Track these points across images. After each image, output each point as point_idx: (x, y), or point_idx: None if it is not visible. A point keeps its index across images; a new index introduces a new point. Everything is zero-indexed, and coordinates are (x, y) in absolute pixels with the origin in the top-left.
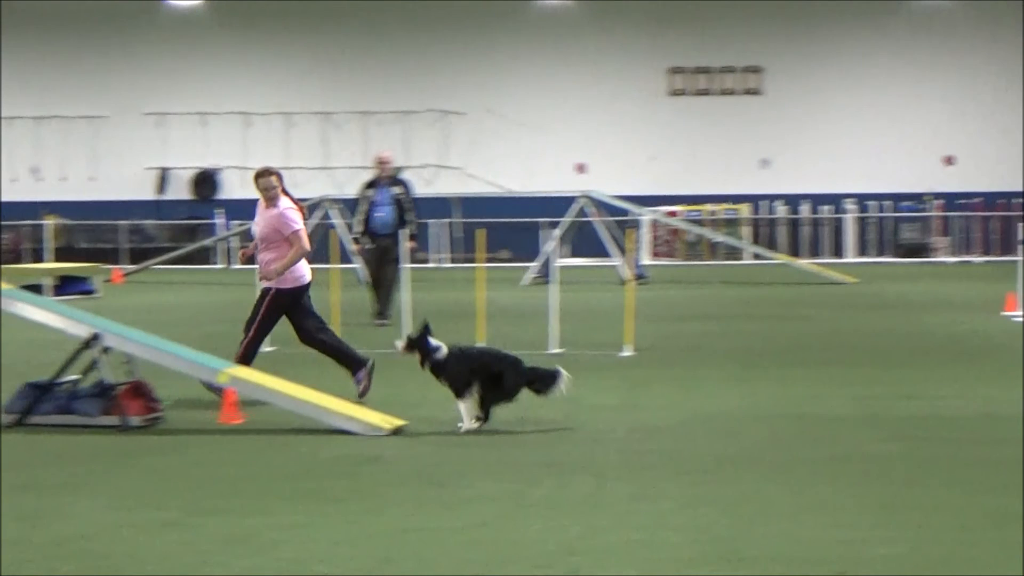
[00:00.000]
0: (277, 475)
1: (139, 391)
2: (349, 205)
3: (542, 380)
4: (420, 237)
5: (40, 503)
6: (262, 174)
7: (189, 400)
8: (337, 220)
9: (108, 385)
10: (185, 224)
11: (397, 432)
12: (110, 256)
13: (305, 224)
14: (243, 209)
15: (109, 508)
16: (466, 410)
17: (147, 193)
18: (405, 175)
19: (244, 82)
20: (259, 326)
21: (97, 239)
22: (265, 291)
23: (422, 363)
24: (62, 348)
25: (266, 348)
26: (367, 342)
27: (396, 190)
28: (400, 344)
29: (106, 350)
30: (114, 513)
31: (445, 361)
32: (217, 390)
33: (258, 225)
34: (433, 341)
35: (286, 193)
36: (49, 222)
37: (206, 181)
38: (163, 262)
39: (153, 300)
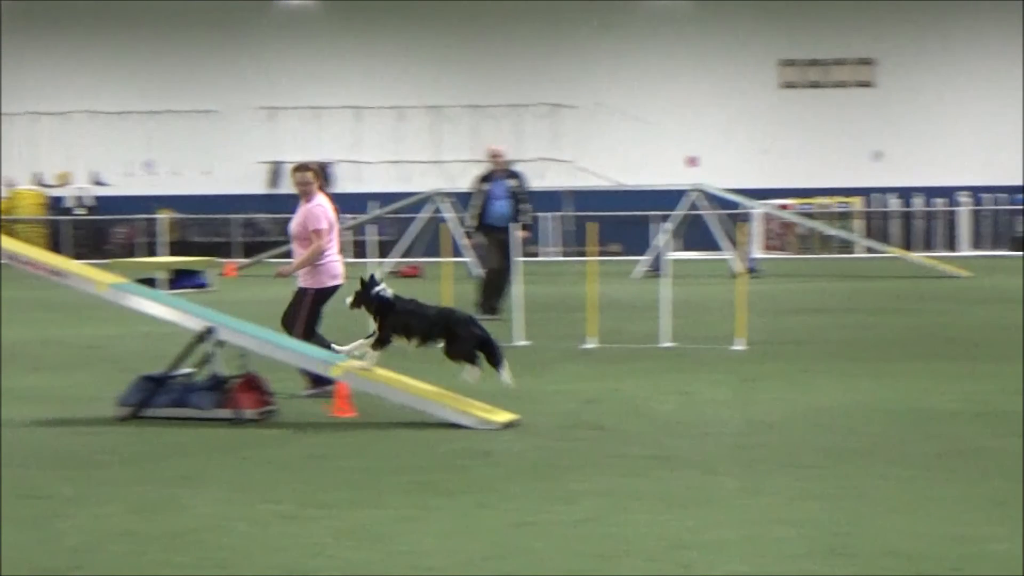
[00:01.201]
0: (389, 468)
1: (253, 384)
2: (461, 199)
3: (496, 352)
4: (531, 231)
5: (155, 496)
6: (298, 169)
7: (303, 394)
8: (448, 214)
9: (222, 378)
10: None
11: (509, 426)
12: (223, 250)
13: (339, 222)
14: (355, 203)
15: (223, 501)
16: (368, 352)
17: (259, 187)
18: (516, 168)
19: (356, 76)
20: (305, 326)
21: (210, 233)
22: (301, 291)
23: (357, 304)
24: (176, 341)
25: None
26: None
27: (511, 183)
28: (348, 300)
29: (220, 344)
30: (228, 506)
31: (394, 314)
32: (321, 390)
33: (294, 221)
34: (379, 288)
35: (323, 190)
36: (163, 216)
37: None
38: (275, 256)
39: (266, 294)
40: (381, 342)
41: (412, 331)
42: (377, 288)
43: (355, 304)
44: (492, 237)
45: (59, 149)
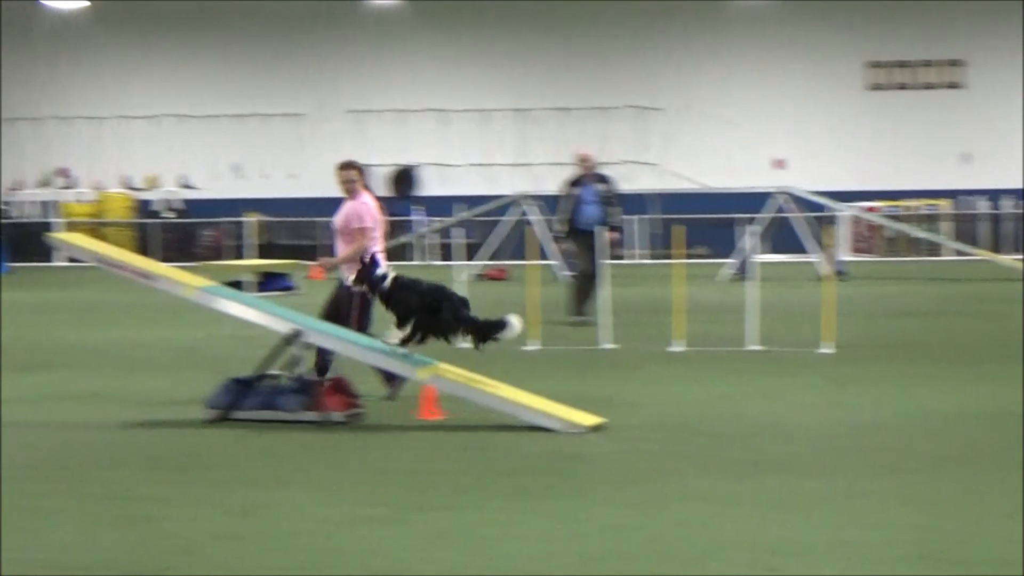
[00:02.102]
0: (480, 471)
1: (340, 387)
2: (547, 202)
3: (487, 329)
4: (620, 234)
5: (249, 498)
6: (343, 167)
7: (390, 397)
8: (534, 217)
9: (309, 381)
10: (384, 221)
11: (596, 429)
12: (310, 253)
13: (384, 219)
14: (442, 206)
15: (316, 504)
16: (398, 332)
17: None
18: (605, 172)
19: (442, 79)
20: (358, 325)
21: (297, 236)
22: (346, 289)
23: (371, 291)
24: (263, 344)
25: (464, 345)
26: (565, 339)
27: (600, 187)
28: (351, 278)
29: (308, 346)
30: (322, 509)
31: (391, 290)
32: (397, 386)
33: (337, 218)
34: (381, 271)
35: (367, 188)
36: (250, 219)
37: (405, 178)
38: None
39: None
40: (401, 320)
41: (409, 308)
42: (378, 269)
43: (357, 282)
44: (582, 241)
45: (148, 153)
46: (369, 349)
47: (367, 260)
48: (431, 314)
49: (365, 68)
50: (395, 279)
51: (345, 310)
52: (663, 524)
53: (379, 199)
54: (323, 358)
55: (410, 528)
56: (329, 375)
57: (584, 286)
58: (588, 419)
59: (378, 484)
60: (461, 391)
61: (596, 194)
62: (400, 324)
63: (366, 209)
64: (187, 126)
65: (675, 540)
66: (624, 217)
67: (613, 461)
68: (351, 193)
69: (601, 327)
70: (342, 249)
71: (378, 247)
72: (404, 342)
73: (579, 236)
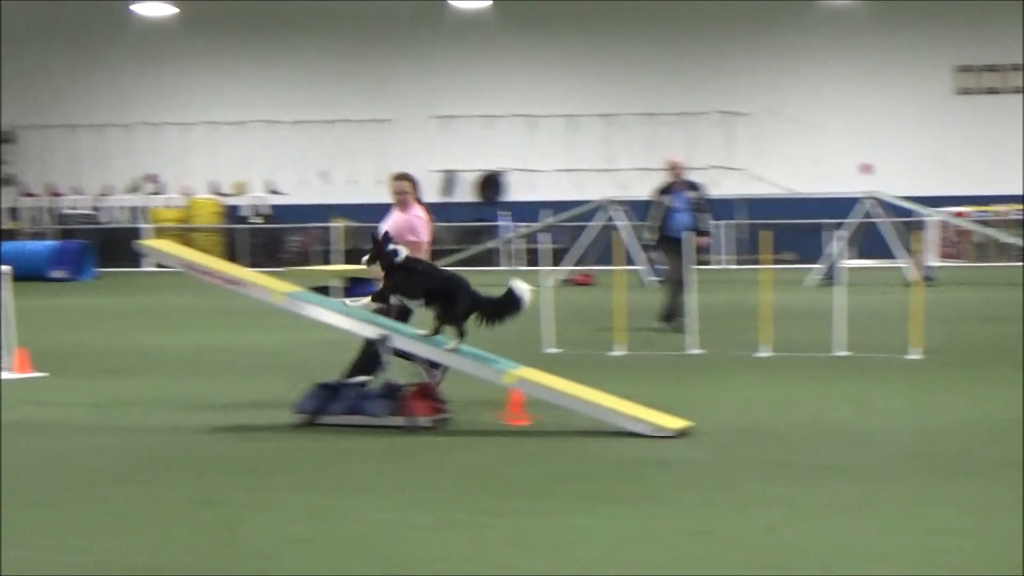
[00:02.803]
0: (563, 476)
1: (426, 392)
2: (633, 207)
3: (500, 305)
4: (710, 239)
5: (331, 502)
6: (397, 178)
7: (476, 401)
8: (621, 222)
9: (396, 386)
10: (470, 226)
11: (683, 433)
12: None
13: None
14: (528, 211)
15: (398, 508)
16: (370, 304)
17: (433, 195)
18: (691, 177)
19: (529, 85)
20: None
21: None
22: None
23: (373, 261)
24: (350, 349)
25: (550, 350)
26: (651, 344)
27: (691, 194)
28: (365, 258)
29: (395, 351)
30: (403, 513)
31: (401, 266)
32: (439, 373)
33: (386, 225)
34: (393, 246)
35: (419, 201)
36: (337, 224)
37: (492, 183)
38: (449, 264)
39: None
40: (381, 297)
41: (415, 290)
42: (390, 246)
43: (371, 261)
44: (673, 249)
45: (236, 158)
46: (458, 357)
47: (379, 237)
48: (446, 301)
49: (452, 73)
50: (407, 257)
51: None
52: (744, 530)
53: (426, 208)
54: (369, 361)
55: (489, 533)
56: (415, 381)
57: (677, 293)
58: (675, 422)
59: (460, 489)
60: (547, 395)
61: (687, 201)
62: (381, 295)
63: (420, 222)
64: (275, 132)
65: (755, 546)
66: (711, 222)
67: (696, 466)
68: (403, 204)
69: (688, 332)
70: None
71: (426, 259)
72: (432, 332)
73: (671, 244)
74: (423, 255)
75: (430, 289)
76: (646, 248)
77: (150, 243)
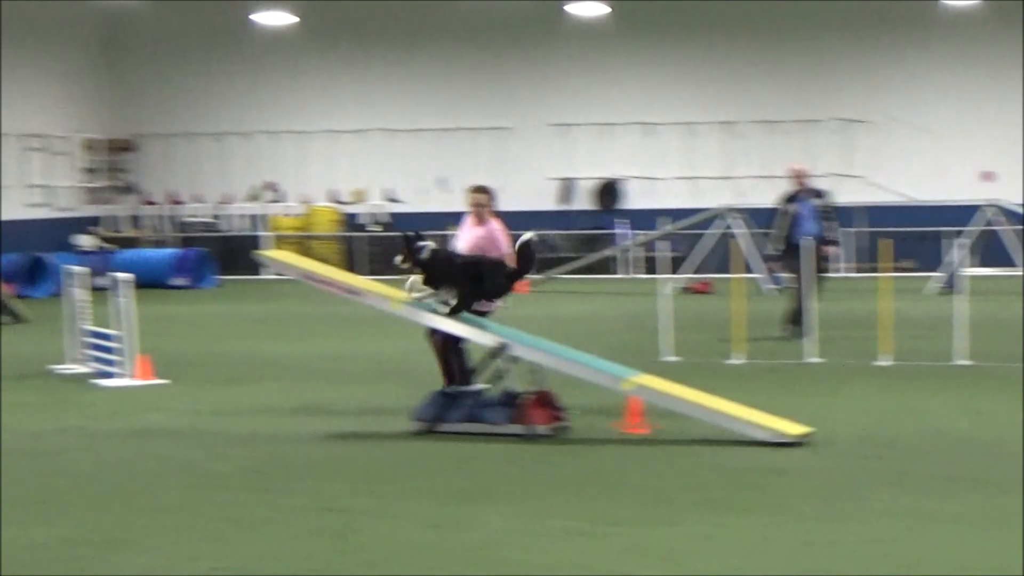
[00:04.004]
0: (682, 485)
1: (545, 400)
2: (753, 215)
3: (523, 260)
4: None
5: (450, 510)
6: (475, 190)
7: (594, 409)
8: (740, 230)
9: (515, 394)
10: (588, 234)
11: (803, 439)
12: None
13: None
14: (646, 219)
15: (517, 516)
16: (416, 287)
17: (551, 203)
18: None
19: (647, 92)
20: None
21: None
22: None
23: (406, 260)
24: (469, 357)
25: (668, 358)
26: (770, 352)
27: (817, 202)
28: (398, 259)
29: (513, 359)
30: (522, 521)
31: (429, 259)
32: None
33: (463, 240)
34: (421, 243)
35: (495, 214)
36: (455, 232)
37: (609, 191)
38: (567, 272)
39: (558, 310)
40: (436, 284)
41: (449, 277)
42: (419, 244)
43: (404, 261)
44: (800, 258)
45: (355, 166)
46: (575, 362)
47: (411, 235)
48: (475, 283)
49: (570, 81)
50: (434, 250)
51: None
52: (866, 540)
53: (501, 220)
54: (457, 366)
55: (607, 541)
56: (534, 389)
57: (804, 302)
58: (795, 428)
59: (578, 497)
60: (666, 401)
61: (813, 209)
62: (435, 287)
63: (501, 235)
64: (393, 140)
65: (878, 556)
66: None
67: (815, 476)
68: (479, 217)
69: (807, 341)
70: None
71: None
72: (453, 312)
73: (797, 252)
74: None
75: (459, 274)
76: (772, 257)
77: (270, 254)
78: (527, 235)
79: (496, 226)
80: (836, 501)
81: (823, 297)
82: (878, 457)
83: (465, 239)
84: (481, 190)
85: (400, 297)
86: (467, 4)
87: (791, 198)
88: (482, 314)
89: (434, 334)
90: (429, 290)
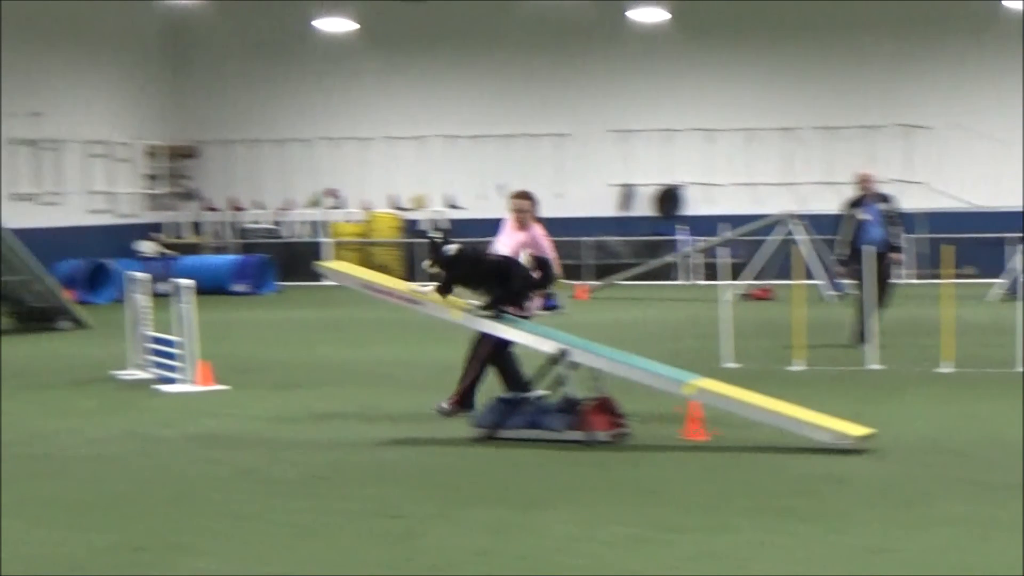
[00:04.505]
0: (743, 492)
1: (605, 407)
2: (813, 222)
3: (543, 271)
4: (903, 254)
5: (510, 516)
6: (517, 196)
7: (654, 416)
8: (800, 236)
9: (575, 400)
10: (648, 240)
11: (865, 441)
12: (574, 272)
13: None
14: (706, 225)
15: (577, 522)
16: (431, 289)
17: (611, 209)
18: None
19: (707, 98)
20: (495, 348)
21: (561, 255)
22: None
23: (434, 264)
24: (529, 364)
25: (729, 365)
26: (831, 359)
27: (883, 206)
28: (427, 263)
29: (573, 365)
30: (582, 527)
31: (454, 258)
32: (457, 410)
33: (504, 245)
34: (447, 246)
35: (536, 220)
36: None
37: (669, 197)
38: (627, 278)
39: (617, 316)
40: (443, 289)
41: (473, 279)
42: (445, 247)
43: (433, 265)
44: (863, 263)
45: (415, 173)
46: (635, 367)
47: (438, 239)
48: (502, 284)
49: (630, 87)
50: (460, 250)
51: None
52: (927, 548)
53: (543, 226)
54: (510, 375)
55: (668, 549)
56: (594, 395)
57: (865, 308)
58: (857, 430)
59: (638, 503)
60: (727, 404)
61: (879, 214)
62: (444, 287)
63: (543, 240)
64: (453, 146)
65: (940, 565)
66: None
67: (876, 483)
68: (521, 223)
69: (868, 347)
70: None
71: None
72: (488, 310)
73: (862, 258)
74: (557, 271)
75: (485, 274)
76: (838, 262)
77: (329, 264)
78: (548, 256)
79: (539, 231)
80: (897, 508)
81: (890, 304)
82: (940, 464)
83: (507, 244)
84: (524, 196)
85: (460, 305)
86: (527, 10)
87: (856, 203)
88: (524, 318)
89: (483, 344)
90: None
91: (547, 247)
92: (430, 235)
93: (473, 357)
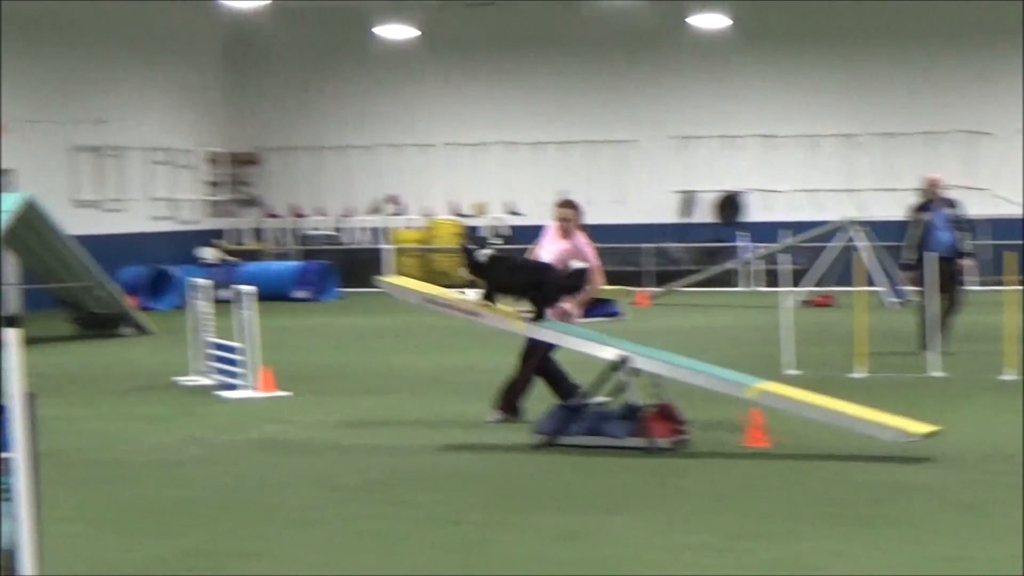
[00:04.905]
0: (808, 499)
1: (666, 413)
2: (875, 228)
3: (575, 277)
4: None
5: (577, 523)
6: (562, 205)
7: (714, 423)
8: (861, 243)
9: (636, 407)
10: (709, 247)
11: (930, 438)
12: (635, 279)
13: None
14: (767, 232)
15: (641, 530)
16: (478, 295)
17: (671, 216)
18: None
19: (768, 104)
20: (542, 357)
21: (623, 262)
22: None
23: (470, 272)
24: (588, 369)
25: (790, 371)
26: (892, 366)
27: (950, 211)
28: (462, 271)
29: (634, 372)
30: (646, 535)
31: (487, 264)
32: (504, 416)
33: (547, 253)
34: (480, 251)
35: (581, 228)
36: None
37: (730, 204)
38: (687, 284)
39: (678, 322)
40: (488, 296)
41: (509, 284)
42: (478, 253)
43: (468, 272)
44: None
45: (476, 179)
46: (697, 371)
47: (470, 245)
48: (536, 287)
49: (691, 93)
50: (492, 256)
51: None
52: (991, 557)
53: (587, 235)
54: (560, 383)
55: (734, 557)
56: (654, 402)
57: (947, 313)
58: (922, 427)
59: (701, 511)
60: (789, 406)
61: (946, 219)
62: (488, 295)
63: (588, 248)
64: (515, 153)
65: (1004, 574)
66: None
67: (942, 491)
68: (565, 232)
69: (930, 354)
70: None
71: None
72: (534, 316)
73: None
74: (598, 280)
75: (518, 279)
76: (904, 267)
77: (390, 280)
78: (581, 264)
79: (583, 240)
80: (964, 516)
81: (960, 311)
82: (1005, 472)
83: (550, 252)
84: (568, 204)
85: (507, 312)
86: (589, 17)
87: (923, 207)
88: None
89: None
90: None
91: (590, 256)
92: (464, 243)
93: (523, 366)
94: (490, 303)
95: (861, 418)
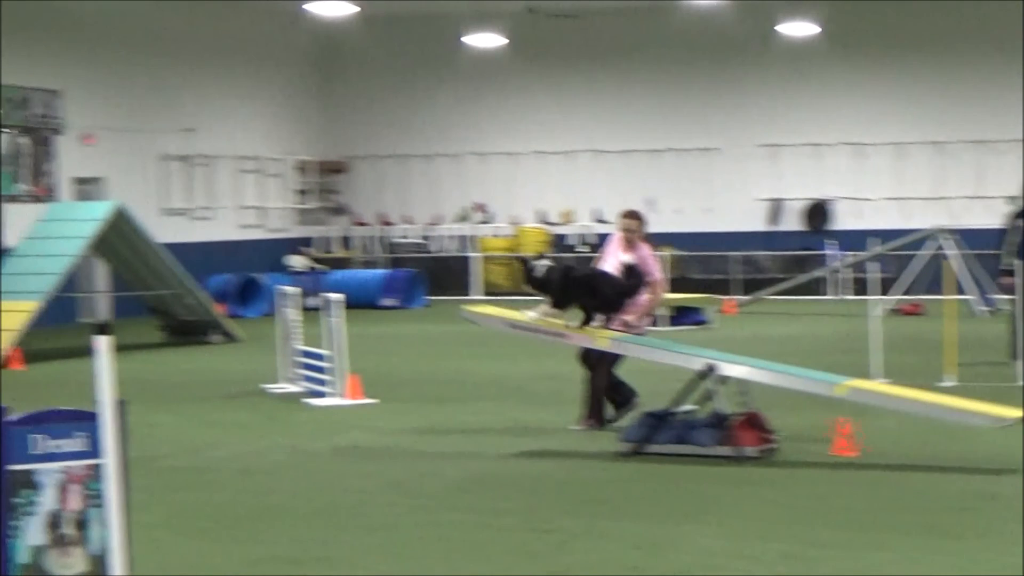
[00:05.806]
0: (892, 509)
1: (754, 422)
2: (965, 236)
3: (630, 276)
4: None
5: (658, 531)
6: (627, 216)
7: (802, 432)
8: (951, 251)
9: (723, 415)
10: (797, 255)
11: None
12: (722, 287)
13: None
14: (855, 240)
15: (725, 538)
16: (542, 312)
17: (759, 224)
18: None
19: (856, 112)
20: (609, 368)
21: (710, 270)
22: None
23: (527, 280)
24: (676, 378)
25: (879, 380)
26: (983, 375)
27: None
28: (524, 284)
29: (722, 380)
30: (731, 543)
31: (543, 277)
32: (590, 425)
33: (611, 265)
34: (537, 264)
35: (646, 240)
36: (664, 253)
37: (818, 212)
38: (775, 293)
39: (766, 330)
40: (557, 306)
41: (568, 294)
42: (533, 265)
43: (526, 283)
44: None
45: (563, 187)
46: (784, 373)
47: (527, 257)
48: (592, 295)
49: (779, 101)
50: (549, 268)
51: (598, 354)
52: None
53: (651, 246)
54: (620, 393)
55: (817, 566)
56: (742, 411)
57: (1017, 324)
58: (1013, 412)
59: (786, 520)
60: (880, 400)
61: None
62: (555, 305)
63: (652, 260)
64: (602, 161)
65: None
66: None
67: None
68: (630, 243)
69: (1021, 364)
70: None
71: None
72: (582, 324)
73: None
74: (660, 292)
75: (575, 289)
76: (1003, 272)
77: (474, 309)
78: (630, 259)
79: (647, 251)
80: None
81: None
82: None
83: (613, 263)
84: (633, 215)
85: (604, 333)
86: (677, 26)
87: (1021, 214)
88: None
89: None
90: (552, 311)
91: (654, 267)
92: (520, 256)
93: (594, 375)
94: (558, 310)
95: (951, 407)
